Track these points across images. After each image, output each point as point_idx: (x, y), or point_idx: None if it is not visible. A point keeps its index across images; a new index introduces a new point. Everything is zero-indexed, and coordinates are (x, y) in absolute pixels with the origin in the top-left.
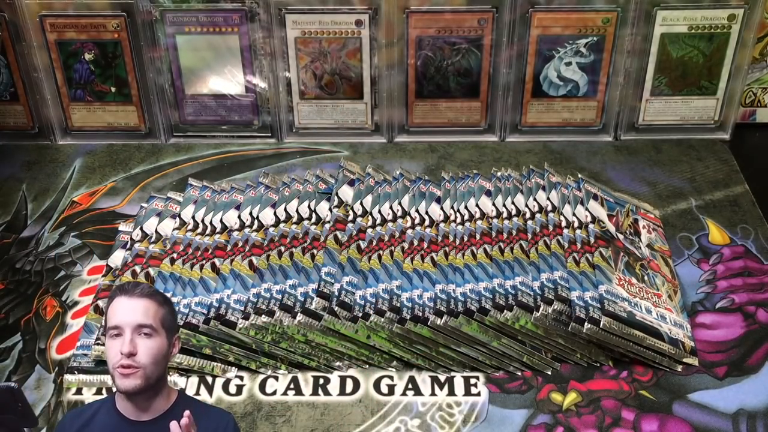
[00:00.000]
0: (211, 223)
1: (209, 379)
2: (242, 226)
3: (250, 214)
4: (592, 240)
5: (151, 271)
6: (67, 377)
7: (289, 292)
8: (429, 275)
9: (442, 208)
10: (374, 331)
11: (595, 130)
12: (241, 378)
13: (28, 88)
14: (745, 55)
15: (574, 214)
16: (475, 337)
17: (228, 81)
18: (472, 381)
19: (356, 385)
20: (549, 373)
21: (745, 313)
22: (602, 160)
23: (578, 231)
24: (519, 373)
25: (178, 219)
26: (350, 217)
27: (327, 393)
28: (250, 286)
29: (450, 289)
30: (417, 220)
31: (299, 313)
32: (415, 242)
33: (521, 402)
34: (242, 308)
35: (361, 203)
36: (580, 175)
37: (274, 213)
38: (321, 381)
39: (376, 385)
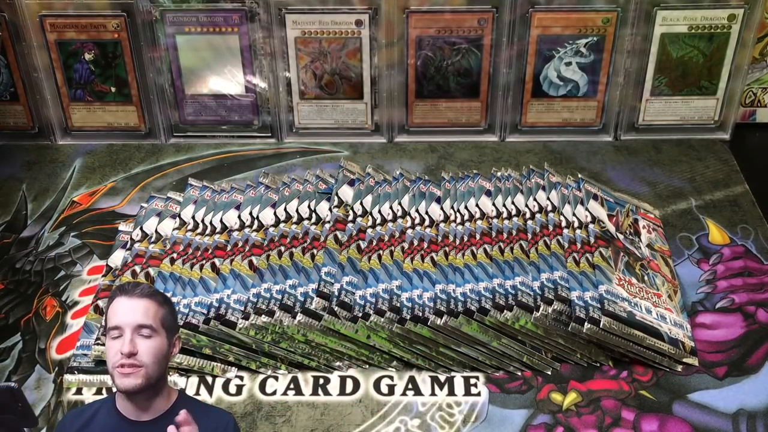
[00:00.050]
0: (211, 223)
1: (209, 379)
2: (242, 226)
3: (250, 214)
4: (592, 240)
5: (151, 271)
6: (67, 377)
7: (289, 292)
8: (429, 275)
9: (442, 208)
10: (374, 331)
11: (595, 130)
12: (241, 378)
13: (28, 88)
14: (745, 55)
15: (574, 214)
16: (475, 337)
17: (228, 81)
18: (472, 381)
19: (356, 385)
20: (549, 373)
21: (745, 313)
22: (602, 160)
23: (578, 231)
24: (519, 373)
25: (178, 219)
26: (350, 217)
27: (327, 393)
28: (250, 286)
29: (450, 289)
30: (417, 220)
31: (299, 313)
32: (415, 242)
33: (521, 402)
34: (242, 308)
35: (361, 203)
36: (580, 175)
37: (274, 213)
38: (321, 381)
39: (376, 385)
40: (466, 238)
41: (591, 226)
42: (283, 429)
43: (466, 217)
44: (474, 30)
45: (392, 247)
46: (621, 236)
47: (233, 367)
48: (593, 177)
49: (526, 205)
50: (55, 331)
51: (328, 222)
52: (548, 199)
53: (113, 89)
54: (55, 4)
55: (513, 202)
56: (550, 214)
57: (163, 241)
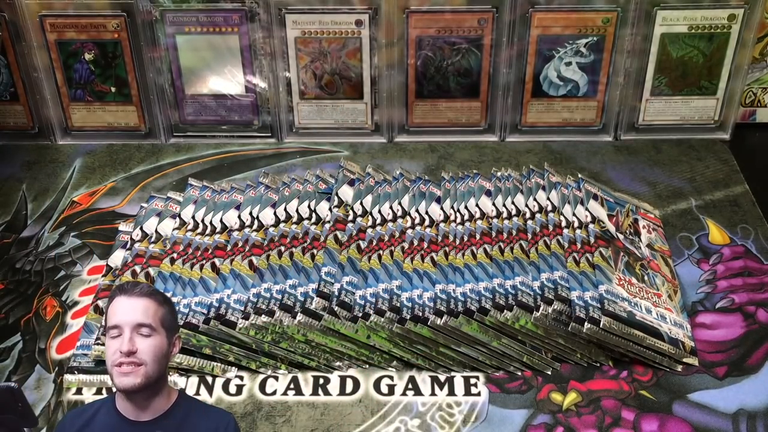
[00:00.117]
0: (211, 223)
1: (209, 379)
2: (242, 226)
3: (250, 214)
4: (592, 240)
5: (151, 271)
6: (67, 377)
7: (289, 292)
8: (429, 275)
9: (442, 208)
10: (374, 331)
11: (595, 130)
12: (241, 378)
13: (28, 88)
14: (745, 55)
15: (574, 214)
16: (475, 337)
17: (228, 81)
18: (472, 381)
19: (356, 385)
20: (549, 373)
21: (745, 313)
22: (602, 160)
23: (578, 231)
24: (519, 373)
25: (178, 219)
26: (350, 217)
27: (327, 393)
28: (250, 286)
29: (450, 289)
30: (417, 220)
31: (299, 313)
32: (415, 242)
33: (521, 402)
34: (242, 308)
35: (361, 203)
36: (580, 175)
37: (274, 213)
38: (321, 381)
39: (376, 385)
40: (466, 238)
41: (591, 226)
42: (283, 429)
43: (466, 217)
44: (474, 30)
45: (392, 247)
46: (621, 236)
47: (233, 367)
48: (593, 177)
49: (526, 205)
50: (55, 331)
51: (328, 222)
52: (548, 199)
53: (113, 89)
54: (55, 4)
55: (513, 202)
56: (550, 214)
57: (163, 241)
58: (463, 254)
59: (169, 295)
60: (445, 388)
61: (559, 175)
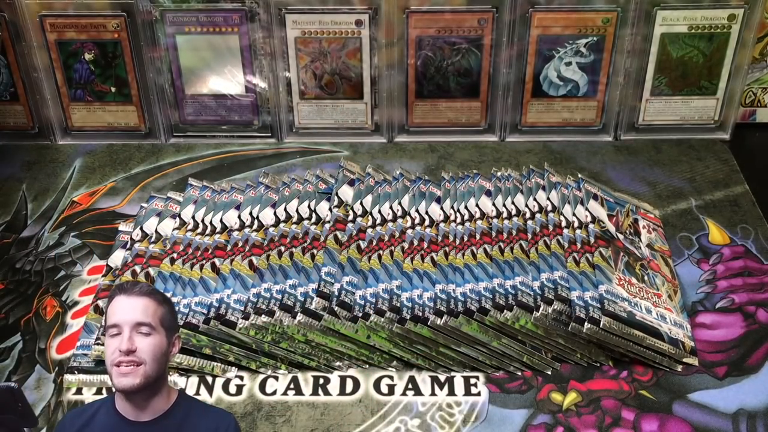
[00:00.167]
0: (211, 223)
1: (209, 379)
2: (242, 226)
3: (250, 214)
4: (592, 240)
5: (151, 271)
6: (67, 377)
7: (289, 292)
8: (429, 275)
9: (442, 208)
10: (374, 331)
11: (595, 130)
12: (241, 378)
13: (28, 88)
14: (745, 55)
15: (574, 214)
16: (475, 337)
17: (228, 81)
18: (472, 381)
19: (356, 385)
20: (549, 373)
21: (745, 313)
22: (602, 160)
23: (578, 231)
24: (519, 373)
25: (178, 219)
26: (350, 217)
27: (327, 393)
28: (250, 286)
29: (450, 289)
30: (417, 220)
31: (299, 313)
32: (415, 242)
33: (521, 402)
34: (242, 308)
35: (361, 203)
36: (580, 175)
37: (274, 213)
38: (321, 381)
39: (376, 385)
40: (466, 238)
41: (591, 226)
42: (283, 429)
43: (466, 217)
44: (474, 30)
45: (392, 247)
46: (621, 236)
47: (233, 367)
48: (593, 177)
49: (526, 205)
50: (55, 331)
51: (328, 222)
52: (548, 199)
53: (113, 89)
54: (55, 4)
55: (513, 202)
56: (550, 214)
57: (163, 241)
58: (463, 254)
59: (169, 295)
60: (445, 388)
61: (559, 175)
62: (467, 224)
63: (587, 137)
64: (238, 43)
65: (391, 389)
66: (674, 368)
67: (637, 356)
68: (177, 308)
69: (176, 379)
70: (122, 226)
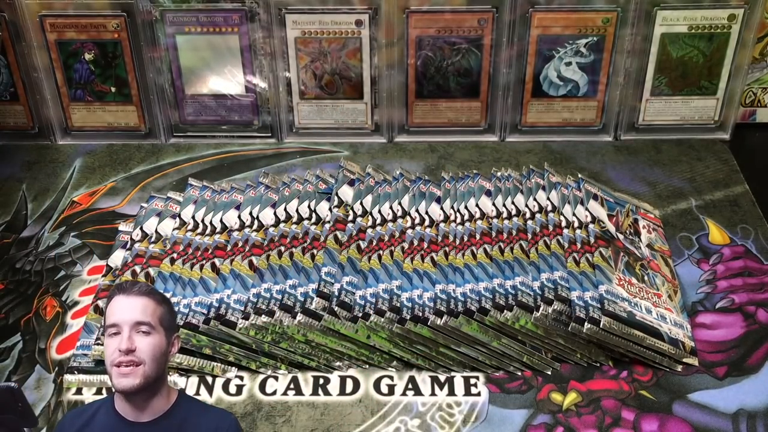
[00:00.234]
0: (211, 223)
1: (209, 379)
2: (242, 226)
3: (250, 214)
4: (592, 240)
5: (151, 271)
6: (67, 377)
7: (289, 292)
8: (429, 275)
9: (442, 208)
10: (374, 331)
11: (595, 130)
12: (241, 378)
13: (28, 88)
14: (745, 55)
15: (574, 214)
16: (475, 337)
17: (228, 81)
18: (472, 381)
19: (356, 385)
20: (549, 373)
21: (745, 313)
22: (602, 160)
23: (578, 231)
24: (519, 373)
25: (178, 219)
26: (350, 217)
27: (327, 393)
28: (250, 286)
29: (450, 289)
30: (417, 220)
31: (299, 313)
32: (415, 242)
33: (521, 402)
34: (242, 308)
35: (361, 203)
36: (580, 175)
37: (274, 213)
38: (321, 381)
39: (376, 385)
40: (466, 238)
41: (591, 226)
42: (283, 429)
43: (466, 217)
44: (474, 30)
45: (392, 247)
46: (621, 236)
47: (233, 367)
48: (593, 177)
49: (526, 205)
50: (55, 331)
51: (328, 222)
52: (548, 199)
53: (113, 89)
54: (55, 4)
55: (513, 202)
56: (550, 214)
57: (163, 241)
58: (463, 254)
59: (168, 295)
60: (445, 388)
61: (559, 175)
62: (467, 224)
63: (587, 137)
64: (238, 43)
65: (391, 389)
66: (674, 368)
67: (637, 356)
68: (177, 308)
69: (176, 379)
70: (122, 226)
